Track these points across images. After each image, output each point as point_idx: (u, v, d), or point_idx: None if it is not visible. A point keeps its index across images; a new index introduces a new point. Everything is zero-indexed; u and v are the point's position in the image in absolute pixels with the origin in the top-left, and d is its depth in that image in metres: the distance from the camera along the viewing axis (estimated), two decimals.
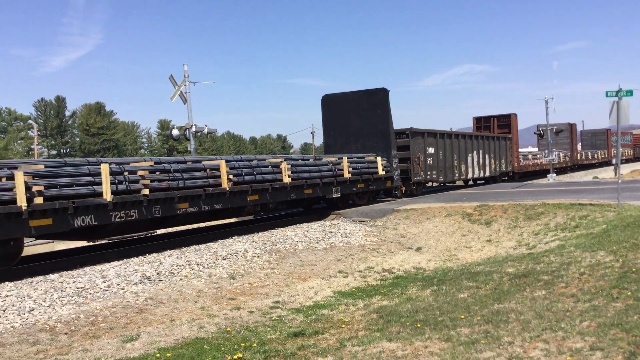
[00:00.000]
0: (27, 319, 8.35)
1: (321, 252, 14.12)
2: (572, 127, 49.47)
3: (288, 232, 16.19)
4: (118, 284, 10.28)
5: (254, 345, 7.27)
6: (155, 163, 13.82)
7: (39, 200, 10.93)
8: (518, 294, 8.50)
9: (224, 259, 12.62)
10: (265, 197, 16.26)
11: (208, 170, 14.77)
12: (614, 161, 43.99)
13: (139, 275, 10.90)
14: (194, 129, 29.92)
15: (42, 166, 11.51)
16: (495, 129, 36.30)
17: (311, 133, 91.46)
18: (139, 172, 13.04)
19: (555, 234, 14.19)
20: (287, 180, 16.89)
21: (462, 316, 7.55)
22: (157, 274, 11.11)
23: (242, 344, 7.31)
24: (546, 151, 37.84)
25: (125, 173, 12.71)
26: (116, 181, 12.32)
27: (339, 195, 19.39)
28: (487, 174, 31.23)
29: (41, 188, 11.04)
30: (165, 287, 10.33)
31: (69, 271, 11.37)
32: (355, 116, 22.65)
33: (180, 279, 10.96)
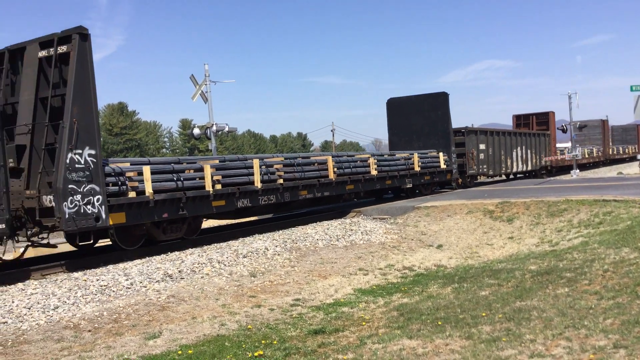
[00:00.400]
0: (51, 316, 8.49)
1: (341, 250, 14.12)
2: (604, 123, 52.59)
3: (308, 230, 16.22)
4: (140, 282, 10.40)
5: (275, 342, 7.31)
6: (284, 159, 17.26)
7: (218, 186, 14.49)
8: (540, 291, 8.41)
9: (244, 257, 12.69)
10: (359, 187, 19.59)
11: (316, 164, 17.95)
12: (638, 156, 43.34)
13: (161, 273, 11.01)
14: (214, 127, 30.07)
15: (217, 161, 15.12)
16: (534, 126, 39.26)
17: (331, 131, 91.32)
18: (275, 166, 16.47)
19: (579, 231, 14.01)
20: (374, 172, 20.21)
21: (484, 314, 7.50)
22: (179, 272, 11.21)
23: (263, 342, 7.35)
24: (569, 147, 38.32)
25: (263, 166, 16.05)
26: (262, 173, 15.75)
27: (411, 185, 22.45)
28: (529, 167, 34.00)
29: (219, 177, 14.61)
30: (186, 285, 10.42)
31: (93, 269, 11.53)
32: (418, 117, 25.50)
33: (202, 277, 11.05)
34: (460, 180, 26.40)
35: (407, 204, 19.86)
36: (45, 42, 12.13)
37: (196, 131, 31.26)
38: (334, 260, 13.03)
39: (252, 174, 15.49)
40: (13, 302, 8.95)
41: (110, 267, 11.72)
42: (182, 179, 13.69)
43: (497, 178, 32.96)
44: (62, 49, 11.83)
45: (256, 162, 15.59)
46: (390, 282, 11.48)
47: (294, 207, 19.12)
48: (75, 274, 10.99)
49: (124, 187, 12.33)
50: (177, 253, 13.02)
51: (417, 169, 22.44)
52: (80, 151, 11.32)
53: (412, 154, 22.71)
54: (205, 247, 13.72)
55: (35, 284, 10.23)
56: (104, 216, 11.62)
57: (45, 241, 12.22)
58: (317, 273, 11.94)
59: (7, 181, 10.76)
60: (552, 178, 33.63)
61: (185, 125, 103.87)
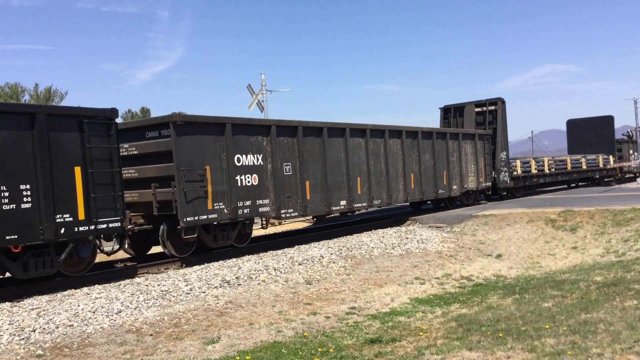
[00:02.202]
0: (115, 320, 8.75)
1: (397, 258, 13.98)
2: None
3: (363, 237, 16.15)
4: (199, 288, 10.59)
5: (331, 350, 7.28)
6: (552, 158, 30.60)
7: (535, 171, 27.75)
8: (607, 303, 8.07)
9: (300, 264, 12.74)
10: (578, 175, 31.70)
11: (559, 161, 30.29)
12: None
13: (219, 279, 11.18)
14: None
15: (531, 158, 27.93)
16: None
17: None
18: (549, 162, 29.12)
19: None
20: (584, 167, 32.12)
21: (547, 326, 7.25)
22: (236, 278, 11.36)
23: (319, 349, 7.34)
24: (635, 154, 37.96)
25: (547, 162, 29.22)
26: (548, 166, 28.74)
27: (598, 176, 33.89)
28: None
29: (535, 166, 27.69)
30: (244, 291, 10.54)
31: (154, 275, 11.83)
32: (590, 132, 38.14)
33: (258, 284, 11.15)
34: (620, 176, 37.40)
35: (465, 212, 19.49)
36: (479, 104, 25.68)
37: None
38: (390, 269, 12.90)
39: (543, 165, 28.28)
40: (79, 305, 9.28)
41: (171, 272, 12.00)
42: (531, 166, 27.07)
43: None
44: (491, 107, 25.49)
45: (545, 160, 29.03)
46: (448, 292, 11.27)
47: (553, 184, 31.43)
48: (138, 279, 11.30)
49: (512, 168, 25.54)
50: (234, 260, 13.20)
51: (601, 165, 33.91)
52: (502, 153, 24.76)
53: (598, 157, 34.08)
54: (261, 254, 13.86)
55: (99, 288, 10.57)
56: (509, 181, 24.83)
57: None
58: (372, 281, 11.85)
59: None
60: (617, 186, 32.52)
61: None
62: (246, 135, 14.05)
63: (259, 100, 30.67)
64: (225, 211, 13.45)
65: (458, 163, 22.02)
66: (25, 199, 10.05)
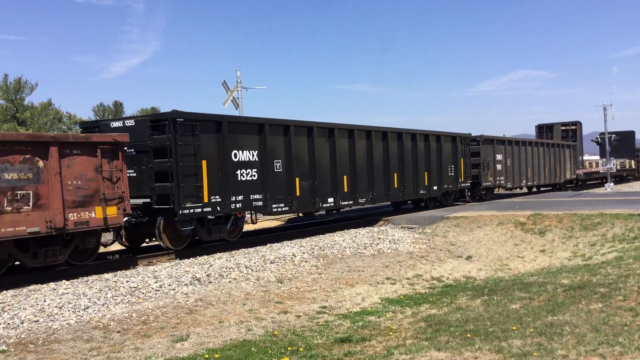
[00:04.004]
0: (82, 316, 8.60)
1: (369, 258, 14.03)
2: None
3: (336, 237, 16.17)
4: (169, 285, 10.48)
5: (301, 349, 7.28)
6: (603, 160, 43.66)
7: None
8: (573, 306, 8.22)
9: (272, 262, 12.70)
10: (614, 173, 43.66)
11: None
12: None
13: (189, 276, 11.09)
14: None
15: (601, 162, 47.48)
16: None
17: None
18: (600, 163, 41.96)
19: (613, 245, 13.67)
20: (619, 167, 41.34)
21: (514, 327, 7.35)
22: (207, 275, 11.27)
23: (289, 348, 7.33)
24: (604, 159, 39.80)
25: (595, 163, 44.67)
26: (597, 166, 44.99)
27: (625, 175, 43.50)
28: None
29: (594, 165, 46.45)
30: (214, 289, 10.47)
31: (123, 271, 11.68)
32: (617, 142, 47.91)
33: (229, 282, 11.09)
34: (637, 174, 51.44)
35: (436, 214, 19.66)
36: (563, 124, 41.24)
37: None
38: (361, 269, 12.95)
39: (598, 166, 38.46)
40: (45, 301, 9.11)
41: (140, 269, 11.86)
42: (592, 166, 40.99)
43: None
44: (572, 127, 41.12)
45: (600, 162, 39.11)
46: (418, 293, 11.36)
47: (601, 179, 42.14)
48: (106, 275, 11.14)
49: (584, 167, 40.76)
50: (205, 257, 13.11)
51: (631, 167, 48.42)
52: (580, 157, 38.90)
53: (625, 161, 45.01)
54: (233, 252, 13.79)
55: (67, 284, 10.39)
56: (583, 175, 39.66)
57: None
58: (344, 281, 11.88)
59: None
60: (585, 191, 33.30)
61: None
62: (499, 145, 27.35)
63: (234, 97, 30.47)
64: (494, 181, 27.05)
65: (563, 162, 35.83)
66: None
